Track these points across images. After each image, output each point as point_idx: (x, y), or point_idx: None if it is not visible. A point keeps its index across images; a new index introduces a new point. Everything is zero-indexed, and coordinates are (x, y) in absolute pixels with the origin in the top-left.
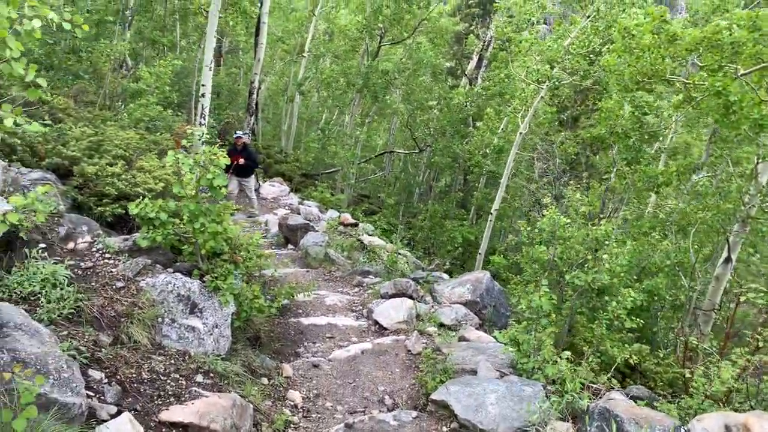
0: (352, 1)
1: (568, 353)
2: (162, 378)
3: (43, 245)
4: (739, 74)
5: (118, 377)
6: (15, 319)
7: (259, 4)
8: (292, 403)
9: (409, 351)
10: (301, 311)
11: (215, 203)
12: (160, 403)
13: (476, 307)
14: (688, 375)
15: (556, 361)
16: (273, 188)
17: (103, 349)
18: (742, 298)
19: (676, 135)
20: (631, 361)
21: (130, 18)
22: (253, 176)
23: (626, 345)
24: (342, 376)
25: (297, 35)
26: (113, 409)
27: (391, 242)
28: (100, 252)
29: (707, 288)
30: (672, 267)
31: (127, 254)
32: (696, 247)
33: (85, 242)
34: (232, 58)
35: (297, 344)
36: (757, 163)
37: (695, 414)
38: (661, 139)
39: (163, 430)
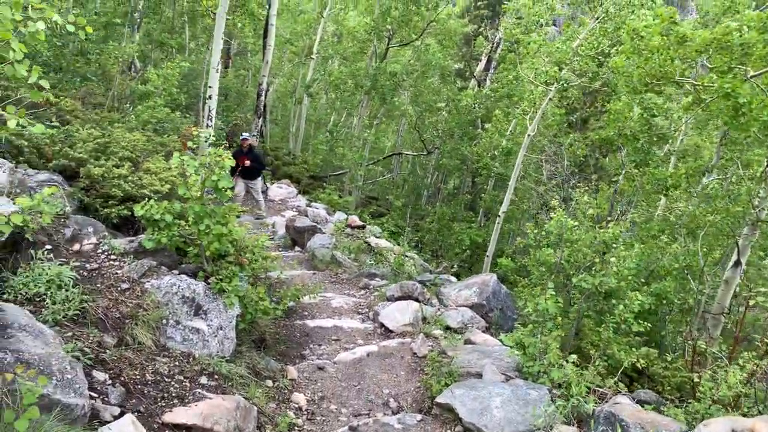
0: (360, 2)
1: (574, 357)
2: (166, 380)
3: (48, 246)
4: (749, 76)
5: (122, 379)
6: (19, 320)
7: (267, 6)
8: (296, 406)
9: (415, 354)
10: (307, 313)
11: (221, 205)
12: (164, 404)
13: (483, 310)
14: (696, 379)
15: (562, 365)
16: (281, 190)
17: (107, 351)
18: (752, 302)
19: (687, 137)
20: (638, 365)
21: (138, 20)
22: (259, 178)
23: (634, 349)
24: (347, 378)
25: (305, 37)
26: (116, 411)
27: (399, 245)
28: (106, 253)
29: (716, 292)
30: (681, 270)
31: (132, 256)
32: (705, 250)
33: (90, 244)
34: (241, 60)
35: (302, 346)
36: (767, 165)
37: (702, 419)
38: (671, 141)
39: (166, 431)
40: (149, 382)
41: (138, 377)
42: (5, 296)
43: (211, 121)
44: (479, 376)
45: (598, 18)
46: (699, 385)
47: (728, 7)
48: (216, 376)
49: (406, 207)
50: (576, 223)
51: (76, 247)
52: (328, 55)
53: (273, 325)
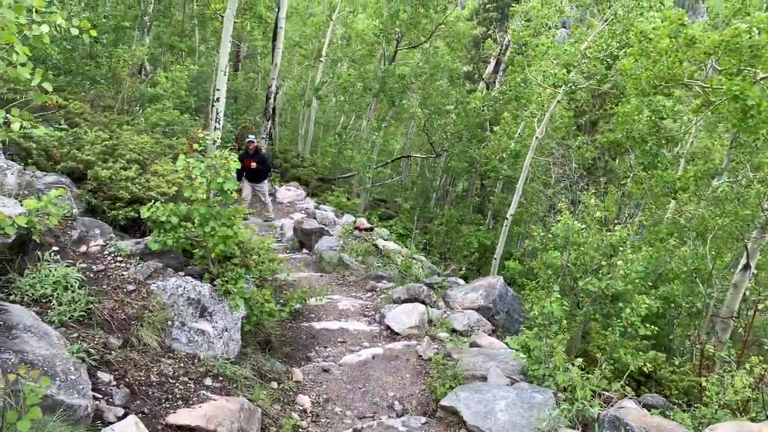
0: (369, 5)
1: (580, 360)
2: (171, 381)
3: (55, 248)
4: (758, 78)
5: (127, 380)
6: (25, 321)
7: (276, 9)
8: (301, 408)
9: (420, 356)
10: (313, 315)
11: (226, 207)
12: (168, 406)
13: (489, 313)
14: (703, 383)
15: (568, 368)
16: (289, 192)
17: (112, 352)
18: (761, 306)
19: (697, 140)
20: (645, 368)
21: (148, 23)
22: (266, 181)
23: (641, 352)
24: (352, 381)
25: (314, 40)
26: (120, 412)
27: (407, 247)
28: (112, 255)
29: (725, 295)
30: (689, 273)
31: (138, 257)
32: (713, 253)
33: (97, 245)
34: (250, 63)
35: (308, 348)
36: None
37: (709, 423)
38: (680, 144)
39: None
40: (154, 384)
41: (143, 378)
42: (12, 297)
43: (219, 123)
44: (484, 379)
45: (606, 20)
46: (706, 389)
47: (738, 9)
48: (221, 378)
49: (414, 209)
50: (583, 226)
51: (83, 248)
52: (337, 57)
53: (279, 327)
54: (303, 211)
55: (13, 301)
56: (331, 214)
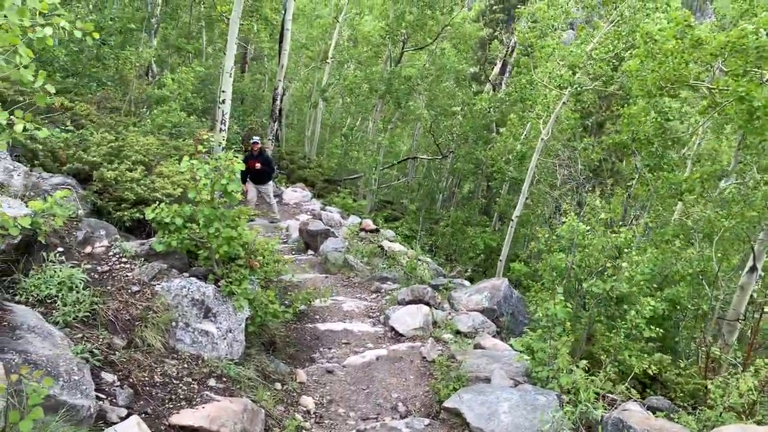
0: (375, 7)
1: (584, 362)
2: (174, 382)
3: (61, 249)
4: (764, 79)
5: (131, 380)
6: (29, 322)
7: (282, 11)
8: (304, 409)
9: (424, 358)
10: (318, 317)
11: (231, 208)
12: (172, 406)
13: (493, 315)
14: (709, 386)
15: (572, 370)
16: (295, 194)
17: (116, 352)
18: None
19: (704, 141)
20: (650, 371)
21: (156, 25)
22: (271, 182)
23: (646, 355)
24: (356, 382)
25: (321, 42)
26: (124, 412)
27: (412, 248)
28: (117, 256)
29: (732, 297)
30: (695, 276)
31: (143, 258)
32: (719, 255)
33: (102, 246)
34: (257, 64)
35: (312, 350)
36: None
37: (714, 426)
38: (688, 145)
39: None
40: (157, 384)
41: (146, 379)
42: (17, 298)
43: (225, 125)
44: (488, 380)
45: (612, 21)
46: (711, 392)
47: (746, 10)
48: (224, 379)
49: (420, 211)
50: (588, 228)
51: (88, 249)
52: (343, 59)
53: (283, 328)
54: (309, 213)
55: (18, 302)
56: (337, 215)
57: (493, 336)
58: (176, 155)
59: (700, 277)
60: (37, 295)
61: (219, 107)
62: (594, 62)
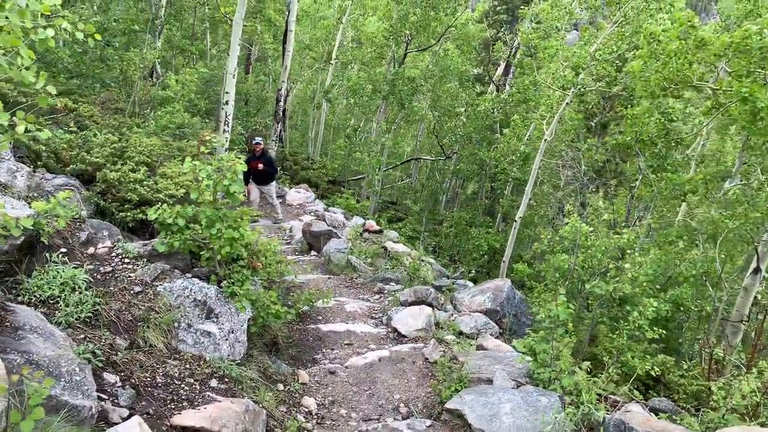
0: (379, 8)
1: (587, 363)
2: (176, 382)
3: (64, 250)
4: None
5: (133, 381)
6: (31, 322)
7: (286, 12)
8: (306, 410)
9: (427, 359)
10: (320, 318)
11: (233, 209)
12: (173, 407)
13: (496, 316)
14: (712, 388)
15: (574, 372)
16: (299, 195)
17: (119, 353)
18: None
19: (709, 142)
20: (653, 372)
21: (160, 27)
22: (273, 182)
23: (650, 356)
24: (358, 383)
25: (324, 43)
26: (125, 413)
27: (416, 249)
28: (120, 257)
29: (736, 299)
30: (698, 277)
31: (146, 259)
32: (723, 256)
33: (105, 247)
34: (261, 65)
35: (315, 350)
36: None
37: (716, 428)
38: (693, 146)
39: None
40: (159, 385)
41: (148, 379)
42: (20, 298)
43: (228, 126)
44: (490, 382)
45: (616, 22)
46: (713, 393)
47: (750, 11)
48: (226, 380)
49: (423, 212)
50: (591, 229)
51: (91, 250)
52: (347, 60)
53: (286, 329)
54: (312, 214)
55: (21, 302)
56: (341, 216)
57: (496, 337)
58: (180, 156)
59: (704, 278)
60: (40, 295)
61: (222, 108)
62: (597, 63)
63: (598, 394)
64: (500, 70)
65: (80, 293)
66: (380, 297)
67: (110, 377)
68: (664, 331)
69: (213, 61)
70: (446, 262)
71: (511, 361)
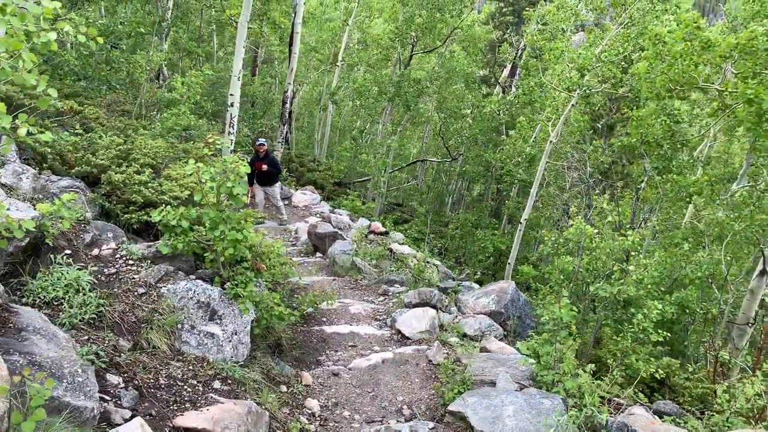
0: (385, 10)
1: (591, 366)
2: (179, 384)
3: (68, 251)
4: None
5: (136, 382)
6: (34, 323)
7: (292, 14)
8: (309, 412)
9: (430, 361)
10: (325, 319)
11: (237, 211)
12: (176, 408)
13: (500, 318)
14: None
15: (578, 374)
16: (304, 196)
17: (122, 354)
18: None
19: (716, 143)
20: (657, 375)
21: (166, 29)
22: (277, 184)
23: (655, 358)
24: (361, 385)
25: (331, 45)
26: (128, 414)
27: (421, 251)
28: (124, 258)
29: (742, 301)
30: (704, 279)
31: (150, 261)
32: (729, 258)
33: (109, 249)
34: (268, 67)
35: (318, 352)
36: None
37: (721, 431)
38: (699, 148)
39: None
40: (162, 386)
41: (151, 381)
42: (24, 300)
43: (234, 128)
44: (493, 384)
45: (621, 23)
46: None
47: (757, 12)
48: (229, 381)
49: (429, 213)
50: (596, 231)
51: (95, 251)
52: (353, 62)
53: (290, 331)
54: (318, 215)
55: (25, 304)
56: (346, 218)
57: (500, 339)
58: (185, 158)
59: (710, 280)
60: (44, 297)
61: (228, 110)
62: (603, 64)
63: (602, 397)
64: (506, 71)
65: (84, 295)
66: (385, 299)
67: (113, 378)
68: (669, 334)
69: (219, 63)
70: (452, 264)
71: (514, 363)
